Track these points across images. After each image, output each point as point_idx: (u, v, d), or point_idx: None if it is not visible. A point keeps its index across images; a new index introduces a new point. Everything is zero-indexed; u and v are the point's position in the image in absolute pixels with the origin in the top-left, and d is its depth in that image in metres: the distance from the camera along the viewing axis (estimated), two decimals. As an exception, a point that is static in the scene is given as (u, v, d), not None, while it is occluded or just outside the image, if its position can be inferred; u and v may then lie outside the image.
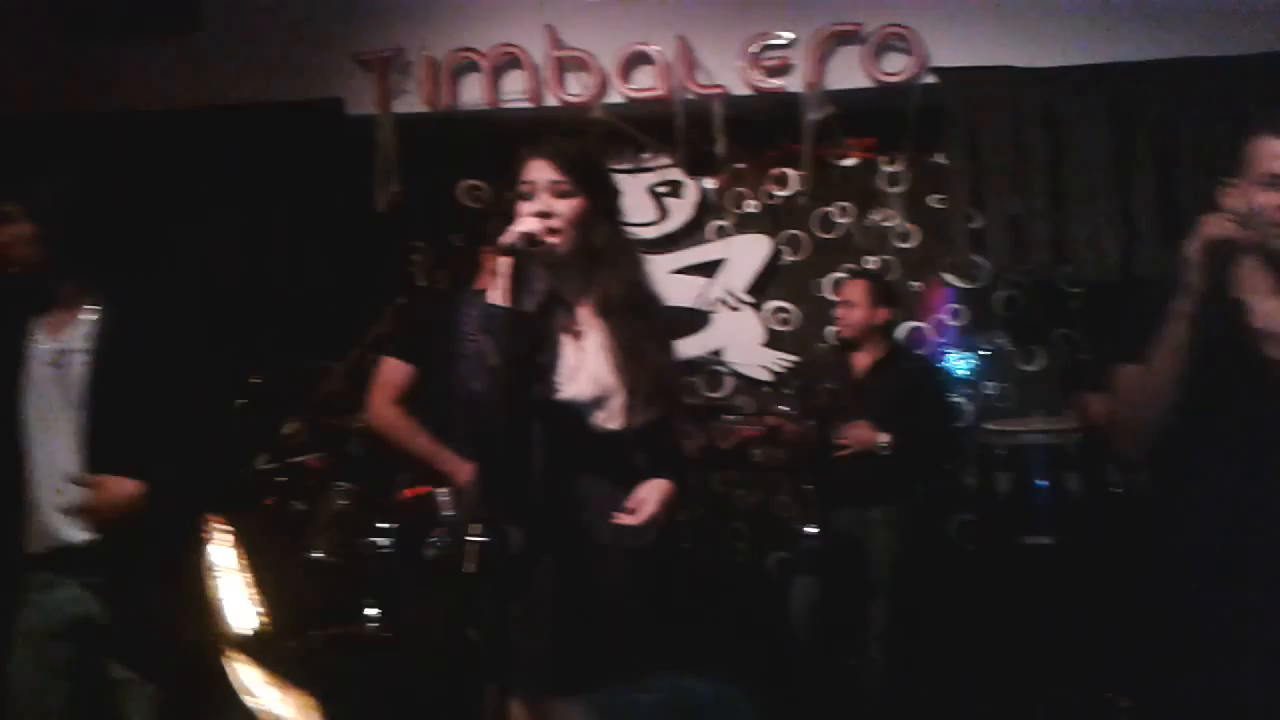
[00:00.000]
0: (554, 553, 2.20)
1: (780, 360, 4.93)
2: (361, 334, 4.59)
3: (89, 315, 2.52)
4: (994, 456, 3.72)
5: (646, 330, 2.28)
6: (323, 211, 4.86)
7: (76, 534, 2.43)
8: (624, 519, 2.18)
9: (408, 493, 3.68)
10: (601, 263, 2.28)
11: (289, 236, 4.89)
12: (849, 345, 4.24)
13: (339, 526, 3.88)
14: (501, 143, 4.69)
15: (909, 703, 4.25)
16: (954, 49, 4.30)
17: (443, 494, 3.29)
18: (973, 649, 4.34)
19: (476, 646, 3.30)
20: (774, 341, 4.95)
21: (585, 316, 2.31)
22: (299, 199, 4.86)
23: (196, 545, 2.60)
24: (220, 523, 2.55)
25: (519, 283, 2.10)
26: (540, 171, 2.24)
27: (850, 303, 4.19)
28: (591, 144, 2.63)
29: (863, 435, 4.08)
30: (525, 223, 2.17)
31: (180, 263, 4.69)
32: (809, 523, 4.14)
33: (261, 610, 2.70)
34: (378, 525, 3.86)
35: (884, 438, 4.06)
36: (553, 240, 2.20)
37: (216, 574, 2.58)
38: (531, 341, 2.19)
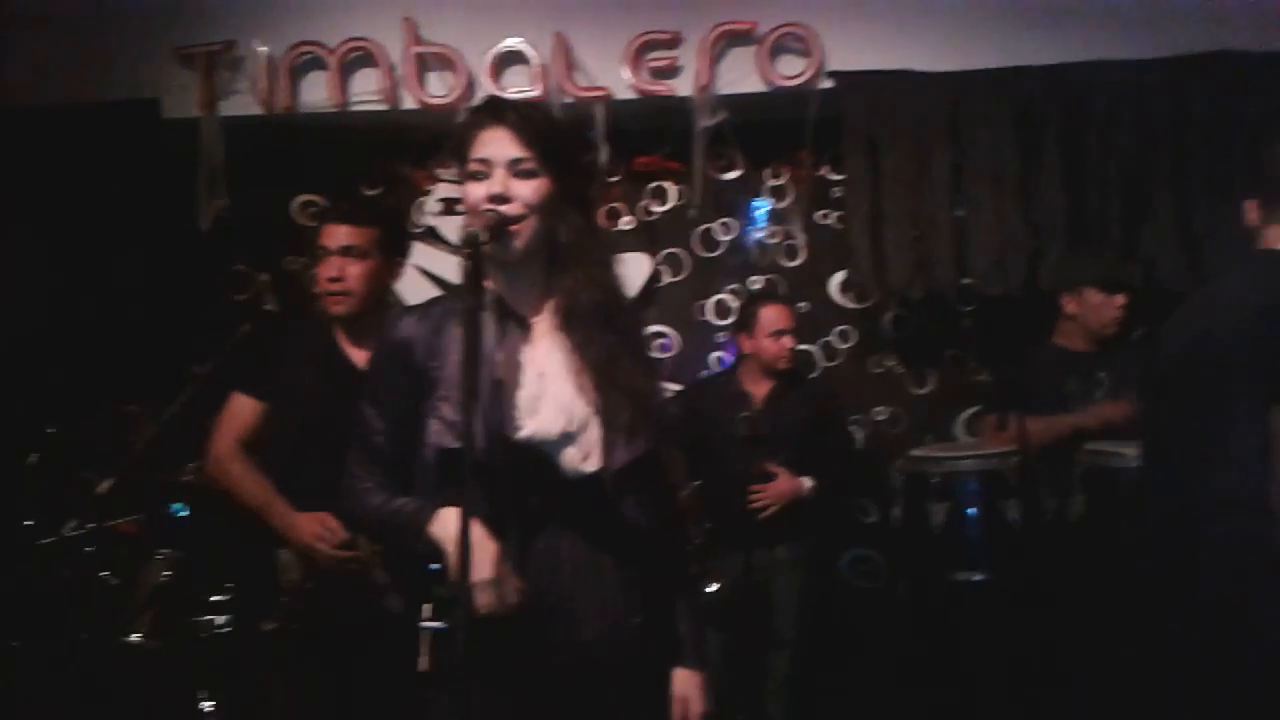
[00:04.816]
0: (515, 640, 1.71)
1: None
2: (186, 372, 4.01)
3: None
4: (928, 486, 3.41)
5: (622, 346, 1.82)
6: (135, 229, 4.25)
7: None
8: None
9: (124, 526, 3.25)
10: (567, 262, 1.82)
11: (95, 259, 4.25)
12: (776, 374, 3.92)
13: (162, 603, 3.28)
14: (352, 150, 4.41)
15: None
16: (853, 51, 4.01)
17: (285, 555, 2.86)
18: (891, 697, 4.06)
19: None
20: (652, 369, 4.55)
21: (543, 331, 1.85)
22: (106, 215, 4.22)
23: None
24: None
25: (476, 287, 1.61)
26: (499, 145, 1.78)
27: (786, 331, 3.88)
28: (559, 116, 2.14)
29: (786, 487, 3.76)
30: (479, 212, 1.75)
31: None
32: (709, 576, 3.74)
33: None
34: (211, 600, 3.30)
35: (808, 483, 3.77)
36: (512, 231, 1.75)
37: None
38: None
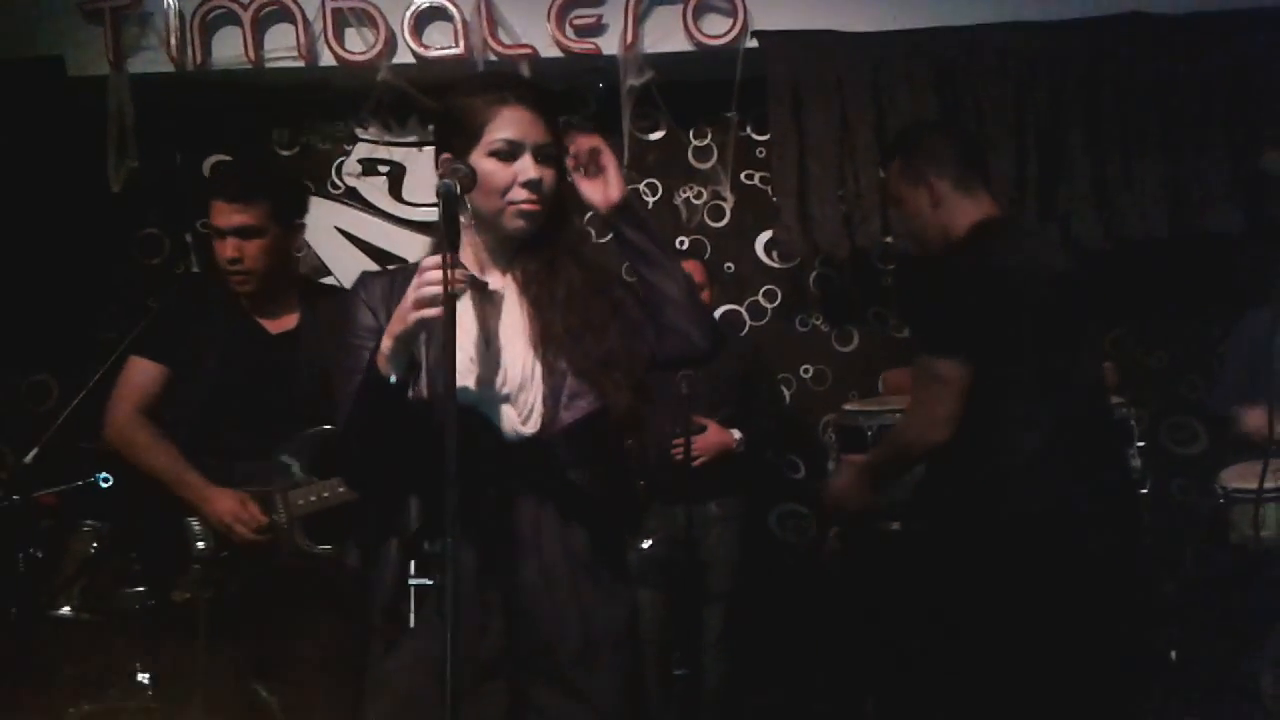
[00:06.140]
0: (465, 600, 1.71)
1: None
2: (98, 339, 3.91)
3: None
4: (864, 439, 3.46)
5: (587, 306, 1.80)
6: (42, 192, 4.08)
7: None
8: None
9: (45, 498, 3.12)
10: (542, 230, 1.82)
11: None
12: None
13: (91, 575, 3.20)
14: (268, 108, 4.29)
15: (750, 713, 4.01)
16: (778, 11, 4.01)
17: (195, 523, 2.80)
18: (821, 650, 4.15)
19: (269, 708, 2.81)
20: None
21: (505, 293, 1.84)
22: (11, 177, 4.04)
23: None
24: None
25: (452, 243, 1.58)
26: (528, 128, 1.76)
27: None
28: None
29: (715, 439, 3.78)
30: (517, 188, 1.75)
31: None
32: (642, 534, 3.77)
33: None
34: (137, 571, 3.23)
35: (737, 435, 3.79)
36: (538, 216, 1.77)
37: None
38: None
